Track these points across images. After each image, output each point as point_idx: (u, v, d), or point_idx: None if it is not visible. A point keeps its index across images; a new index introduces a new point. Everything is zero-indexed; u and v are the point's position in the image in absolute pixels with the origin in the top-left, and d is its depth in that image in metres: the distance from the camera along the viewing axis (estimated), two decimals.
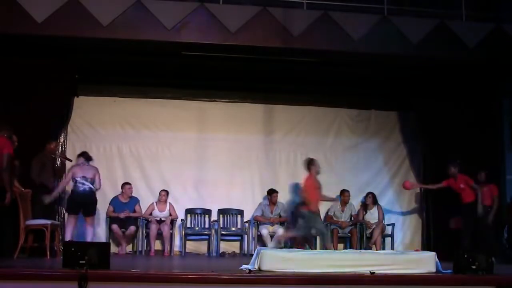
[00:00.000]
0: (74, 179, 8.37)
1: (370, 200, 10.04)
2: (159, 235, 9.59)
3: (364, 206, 10.13)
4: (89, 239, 8.35)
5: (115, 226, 9.33)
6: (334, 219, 10.05)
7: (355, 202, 10.28)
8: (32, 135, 8.59)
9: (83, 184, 8.33)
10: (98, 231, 9.65)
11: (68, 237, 8.19)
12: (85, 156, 8.60)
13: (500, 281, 5.46)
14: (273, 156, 10.45)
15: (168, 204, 9.73)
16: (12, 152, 7.45)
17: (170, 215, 9.65)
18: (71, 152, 9.69)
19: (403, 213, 10.56)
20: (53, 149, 8.96)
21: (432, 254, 6.18)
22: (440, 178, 9.59)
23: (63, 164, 9.42)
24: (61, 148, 9.66)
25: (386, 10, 8.91)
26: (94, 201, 8.54)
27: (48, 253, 7.77)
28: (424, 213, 10.43)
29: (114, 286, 5.09)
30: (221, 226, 9.87)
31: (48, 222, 7.93)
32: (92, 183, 8.41)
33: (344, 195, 10.05)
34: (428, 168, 10.35)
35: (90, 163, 8.61)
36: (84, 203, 8.41)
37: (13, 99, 8.79)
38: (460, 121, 9.77)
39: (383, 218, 9.99)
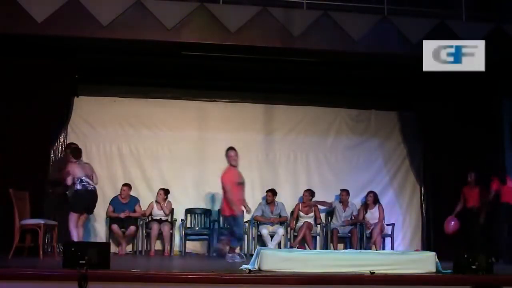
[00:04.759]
0: (78, 179, 8.24)
1: (371, 199, 10.01)
2: (159, 235, 9.59)
3: (365, 206, 10.12)
4: (77, 238, 8.11)
5: (115, 226, 9.33)
6: None
7: (355, 202, 10.26)
8: (32, 135, 8.59)
9: (89, 183, 8.26)
10: (98, 231, 9.66)
11: (75, 237, 8.03)
12: (74, 154, 8.48)
13: (478, 280, 5.48)
14: (273, 156, 10.44)
15: (166, 202, 9.72)
16: None
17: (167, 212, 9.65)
18: None
19: (403, 213, 10.56)
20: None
21: (432, 254, 6.18)
22: (440, 178, 9.60)
23: None
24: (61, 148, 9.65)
25: (386, 10, 8.89)
26: (97, 200, 8.52)
27: (41, 252, 7.72)
28: (424, 213, 10.44)
29: (114, 286, 5.10)
30: (221, 226, 9.87)
31: (42, 221, 7.87)
32: (92, 180, 8.38)
33: (341, 194, 10.04)
34: (428, 168, 10.34)
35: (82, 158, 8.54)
36: (92, 202, 8.38)
37: (13, 99, 8.79)
38: (460, 121, 9.76)
39: (384, 218, 9.98)
